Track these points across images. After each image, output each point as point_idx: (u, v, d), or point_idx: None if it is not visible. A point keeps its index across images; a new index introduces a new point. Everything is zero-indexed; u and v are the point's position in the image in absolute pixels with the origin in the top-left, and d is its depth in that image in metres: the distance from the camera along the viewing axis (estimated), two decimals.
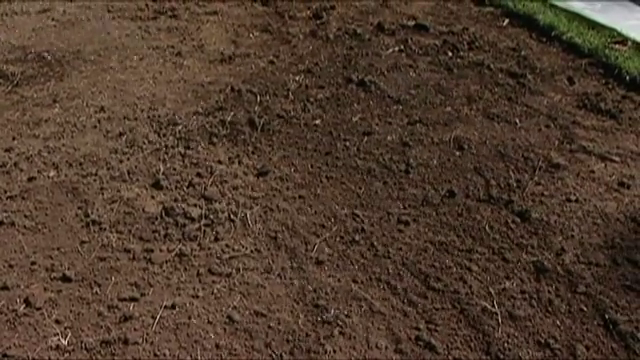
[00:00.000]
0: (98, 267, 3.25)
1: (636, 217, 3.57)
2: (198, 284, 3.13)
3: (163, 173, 3.95)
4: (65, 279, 3.16)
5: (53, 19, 6.56)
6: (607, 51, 5.45)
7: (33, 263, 3.26)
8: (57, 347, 2.78)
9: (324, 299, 3.03)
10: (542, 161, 4.05)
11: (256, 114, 4.59)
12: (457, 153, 4.16)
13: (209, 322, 2.92)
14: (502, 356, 2.75)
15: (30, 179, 3.92)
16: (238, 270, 3.21)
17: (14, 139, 4.35)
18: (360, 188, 3.82)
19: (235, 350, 2.77)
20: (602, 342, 2.83)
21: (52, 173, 3.97)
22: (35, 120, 4.59)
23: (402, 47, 5.76)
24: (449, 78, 5.18)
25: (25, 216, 3.60)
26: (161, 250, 3.35)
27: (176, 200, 3.72)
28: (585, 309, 2.99)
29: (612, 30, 5.94)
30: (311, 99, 4.84)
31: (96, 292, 3.09)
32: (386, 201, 3.71)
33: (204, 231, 3.48)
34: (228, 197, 3.74)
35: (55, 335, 2.84)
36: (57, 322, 2.92)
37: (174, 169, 4.00)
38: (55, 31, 6.27)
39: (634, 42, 5.66)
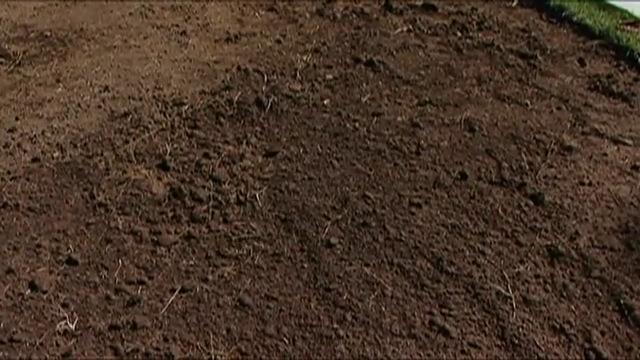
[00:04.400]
0: (105, 250, 3.20)
1: None
2: (207, 267, 3.09)
3: (170, 154, 3.90)
4: (71, 262, 3.11)
5: None
6: (618, 33, 5.37)
7: (38, 246, 3.22)
8: (65, 332, 2.74)
9: (336, 283, 2.98)
10: (554, 143, 3.99)
11: (263, 94, 4.52)
12: (468, 135, 4.10)
13: (219, 306, 2.87)
14: (516, 341, 2.71)
15: (34, 160, 3.86)
16: (248, 253, 3.17)
17: (17, 119, 4.29)
18: (370, 170, 3.77)
19: (246, 335, 2.73)
20: (617, 327, 2.79)
21: (56, 154, 3.92)
22: (38, 100, 4.53)
23: (410, 27, 5.68)
24: (459, 59, 5.10)
25: (29, 198, 3.55)
26: (169, 232, 3.30)
27: (183, 181, 3.66)
28: (600, 294, 2.95)
29: (623, 11, 5.86)
30: (319, 79, 4.77)
31: (103, 275, 3.04)
32: (397, 183, 3.65)
33: (212, 213, 3.43)
34: (237, 178, 3.69)
35: (62, 319, 2.79)
36: (64, 306, 2.87)
37: (181, 149, 3.94)
38: (57, 10, 6.19)
39: None
